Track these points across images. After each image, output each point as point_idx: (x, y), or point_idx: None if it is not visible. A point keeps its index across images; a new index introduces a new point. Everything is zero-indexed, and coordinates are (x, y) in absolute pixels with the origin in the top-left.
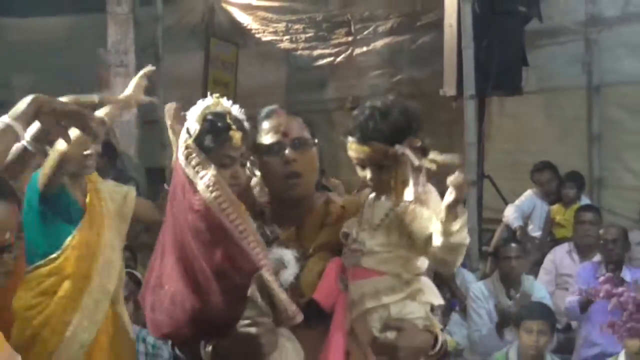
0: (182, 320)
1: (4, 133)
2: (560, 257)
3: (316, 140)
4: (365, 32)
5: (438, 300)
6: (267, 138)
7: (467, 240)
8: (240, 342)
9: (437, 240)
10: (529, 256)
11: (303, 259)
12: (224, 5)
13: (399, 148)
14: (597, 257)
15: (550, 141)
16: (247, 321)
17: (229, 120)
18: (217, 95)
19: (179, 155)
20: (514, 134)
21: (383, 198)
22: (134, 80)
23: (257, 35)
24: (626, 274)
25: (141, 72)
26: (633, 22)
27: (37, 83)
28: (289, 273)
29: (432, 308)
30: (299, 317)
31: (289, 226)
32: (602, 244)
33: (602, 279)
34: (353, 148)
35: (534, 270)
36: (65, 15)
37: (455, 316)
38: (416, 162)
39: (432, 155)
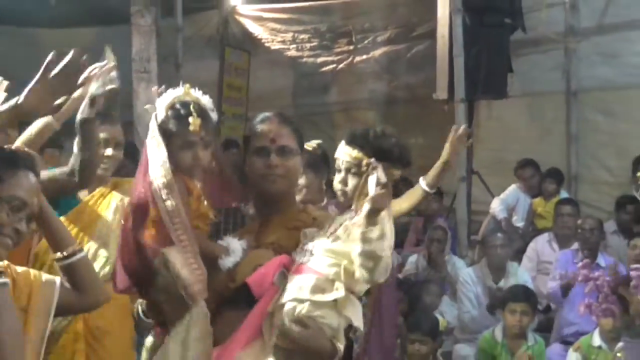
0: (122, 275)
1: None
2: (542, 245)
3: (301, 150)
4: (365, 42)
5: (359, 322)
6: (258, 140)
7: (385, 254)
8: (151, 305)
9: (357, 250)
10: (513, 244)
11: (249, 249)
12: (237, 17)
13: (374, 162)
14: (575, 246)
15: (532, 141)
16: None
17: (191, 109)
18: (188, 85)
19: (148, 135)
20: (499, 134)
21: (346, 213)
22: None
23: (266, 44)
24: (601, 261)
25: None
26: (608, 33)
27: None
28: (230, 260)
29: (352, 328)
30: (199, 296)
31: (256, 221)
32: (580, 234)
33: (580, 264)
34: (339, 149)
35: (518, 257)
36: (94, 26)
37: (446, 298)
38: (383, 179)
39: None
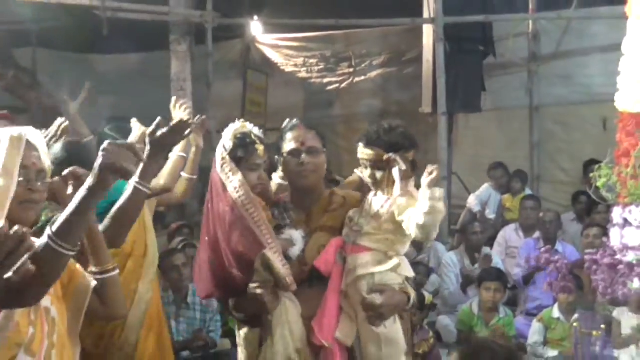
0: (209, 285)
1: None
2: (509, 234)
3: (325, 149)
4: (363, 65)
5: (411, 273)
6: (289, 145)
7: (444, 212)
8: (250, 300)
9: (419, 218)
10: (486, 233)
11: (308, 237)
12: (257, 45)
13: (392, 155)
14: (537, 234)
15: (501, 147)
16: (254, 284)
17: (253, 137)
18: (243, 120)
19: (216, 164)
20: (474, 142)
21: (379, 194)
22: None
23: (281, 68)
24: (559, 247)
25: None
26: (564, 59)
27: (117, 103)
28: (296, 248)
29: (407, 278)
30: (293, 287)
31: (302, 212)
32: (541, 225)
33: (542, 250)
34: (360, 150)
35: (489, 243)
36: (140, 52)
37: (432, 278)
38: (403, 167)
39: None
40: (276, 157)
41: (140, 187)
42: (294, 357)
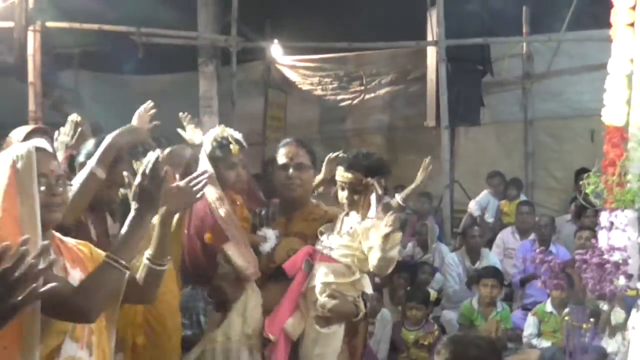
0: (185, 271)
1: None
2: (507, 236)
3: (313, 165)
4: (373, 84)
5: (369, 290)
6: (281, 159)
7: (395, 258)
8: (215, 289)
9: (376, 255)
10: (486, 235)
11: (281, 238)
12: (277, 66)
13: (370, 180)
14: (532, 237)
15: (499, 157)
16: (218, 276)
17: (230, 139)
18: (223, 125)
19: (200, 161)
20: (474, 153)
21: (352, 214)
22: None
23: (299, 86)
24: (552, 248)
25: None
26: (555, 77)
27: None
28: (268, 245)
29: (364, 294)
30: (253, 277)
31: (284, 216)
32: (536, 228)
33: (537, 251)
34: (340, 173)
35: (489, 245)
36: (171, 73)
37: (437, 276)
38: (379, 191)
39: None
40: (266, 167)
41: None
42: (234, 338)
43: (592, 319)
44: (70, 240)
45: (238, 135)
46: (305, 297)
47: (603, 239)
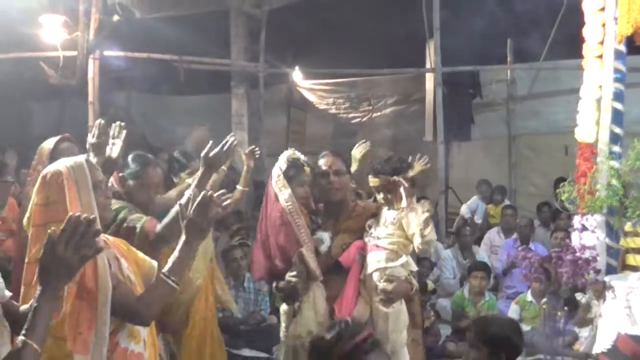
0: (260, 270)
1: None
2: (493, 235)
3: (348, 171)
4: (379, 104)
5: (415, 268)
6: (320, 168)
7: (434, 237)
8: (287, 284)
9: (418, 238)
10: (475, 234)
11: (334, 237)
12: (298, 88)
13: (396, 178)
14: (514, 236)
15: (486, 168)
16: (291, 274)
17: (302, 161)
18: (294, 148)
19: (272, 180)
20: (465, 164)
21: (391, 210)
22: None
23: (316, 106)
24: (532, 246)
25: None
26: (535, 99)
27: (190, 134)
28: (325, 245)
29: (412, 272)
30: (320, 278)
31: (331, 218)
32: (518, 228)
33: (520, 249)
34: (370, 180)
35: (478, 243)
36: (208, 94)
37: (434, 270)
38: (406, 185)
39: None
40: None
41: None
42: (313, 329)
43: (565, 307)
44: (108, 236)
45: (305, 158)
46: (365, 285)
47: (576, 239)
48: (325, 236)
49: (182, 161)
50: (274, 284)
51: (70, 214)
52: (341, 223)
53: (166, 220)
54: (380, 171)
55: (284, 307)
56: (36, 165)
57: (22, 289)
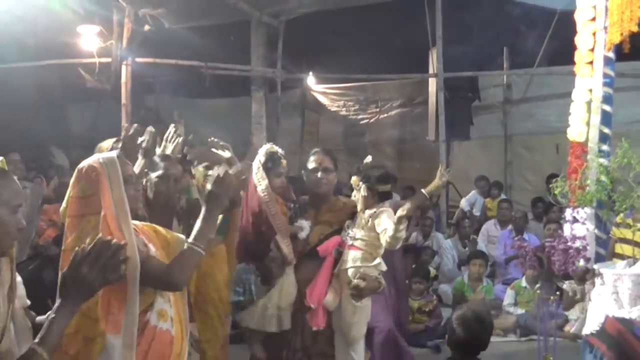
0: (239, 252)
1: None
2: (490, 227)
3: (336, 169)
4: (386, 106)
5: (384, 268)
6: (311, 164)
7: (403, 236)
8: (264, 268)
9: (389, 234)
10: (474, 226)
11: (314, 226)
12: (311, 92)
13: (360, 184)
14: (510, 227)
15: (484, 164)
16: (268, 259)
17: (279, 154)
18: (272, 143)
19: (253, 170)
20: (465, 161)
21: (366, 211)
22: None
23: (328, 108)
24: (526, 236)
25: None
26: (529, 102)
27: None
28: (304, 233)
29: (381, 272)
30: (293, 261)
31: (313, 209)
32: (513, 220)
33: (515, 239)
34: (353, 181)
35: (476, 233)
36: (230, 97)
37: (435, 258)
38: (365, 195)
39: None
40: (302, 171)
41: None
42: (272, 311)
43: (558, 293)
44: (138, 223)
45: (282, 152)
46: (339, 278)
47: (567, 230)
48: (305, 224)
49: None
50: (255, 266)
51: (99, 236)
52: (322, 214)
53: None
54: (359, 172)
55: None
56: None
57: (60, 274)
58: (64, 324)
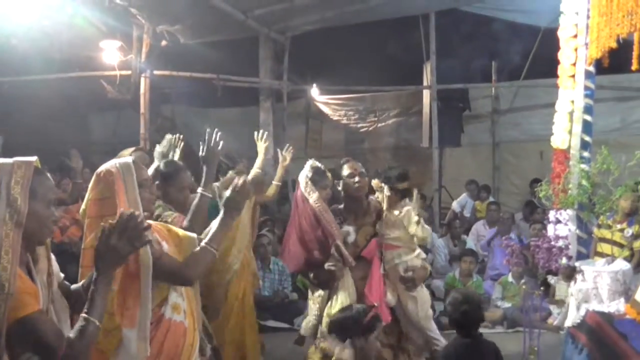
0: (298, 263)
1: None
2: (479, 227)
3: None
4: (383, 116)
5: (424, 255)
6: (347, 171)
7: (429, 233)
8: (326, 272)
9: (418, 235)
10: (464, 226)
11: (357, 230)
12: (315, 102)
13: (381, 185)
14: (495, 228)
15: (473, 169)
16: (330, 262)
17: (323, 169)
18: (314, 159)
19: (301, 184)
20: (456, 166)
21: (394, 212)
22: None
23: (331, 117)
24: (512, 235)
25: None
26: (515, 112)
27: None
28: (351, 237)
29: (423, 259)
30: (353, 263)
31: (352, 214)
32: (501, 221)
33: (503, 238)
34: (374, 183)
35: (466, 233)
36: (240, 107)
37: (429, 256)
38: (387, 194)
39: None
40: (335, 180)
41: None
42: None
43: (542, 288)
44: (153, 223)
45: (324, 167)
46: (388, 277)
47: (551, 230)
48: (350, 229)
49: (228, 163)
50: (311, 274)
51: (122, 210)
52: (361, 218)
53: (189, 215)
54: (379, 175)
55: (319, 292)
56: None
57: (80, 270)
58: (105, 292)
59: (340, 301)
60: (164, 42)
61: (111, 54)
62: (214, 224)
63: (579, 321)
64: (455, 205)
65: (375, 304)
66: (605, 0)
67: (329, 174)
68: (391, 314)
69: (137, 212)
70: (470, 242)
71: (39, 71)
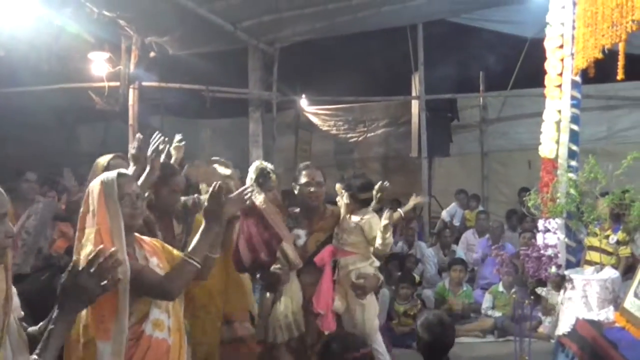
0: (245, 264)
1: None
2: (469, 236)
3: (325, 182)
4: (373, 126)
5: (378, 263)
6: (303, 179)
7: (391, 242)
8: (271, 275)
9: (379, 240)
10: (454, 235)
11: (309, 235)
12: (305, 113)
13: (343, 191)
14: (487, 236)
15: (463, 179)
16: (276, 266)
17: (269, 170)
18: (261, 160)
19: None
20: (446, 176)
21: (353, 217)
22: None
23: (320, 127)
24: (509, 246)
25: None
26: (503, 122)
27: (215, 150)
28: (301, 241)
29: (377, 268)
30: (300, 265)
31: (306, 219)
32: (490, 230)
33: (493, 247)
34: (337, 187)
35: (456, 242)
36: (229, 118)
37: (419, 265)
38: (347, 202)
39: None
40: (292, 184)
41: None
42: (290, 316)
43: (532, 297)
44: (146, 238)
45: (272, 167)
46: (340, 283)
47: (540, 239)
48: (301, 232)
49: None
50: (257, 275)
51: (100, 247)
52: (315, 223)
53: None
54: (342, 181)
55: (265, 295)
56: (91, 179)
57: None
58: (62, 335)
59: (284, 304)
60: (152, 54)
61: (99, 66)
62: (196, 237)
63: (569, 330)
64: (444, 214)
65: (321, 312)
66: (590, 11)
67: (273, 176)
68: (337, 321)
69: (114, 250)
70: (460, 251)
71: (27, 83)
